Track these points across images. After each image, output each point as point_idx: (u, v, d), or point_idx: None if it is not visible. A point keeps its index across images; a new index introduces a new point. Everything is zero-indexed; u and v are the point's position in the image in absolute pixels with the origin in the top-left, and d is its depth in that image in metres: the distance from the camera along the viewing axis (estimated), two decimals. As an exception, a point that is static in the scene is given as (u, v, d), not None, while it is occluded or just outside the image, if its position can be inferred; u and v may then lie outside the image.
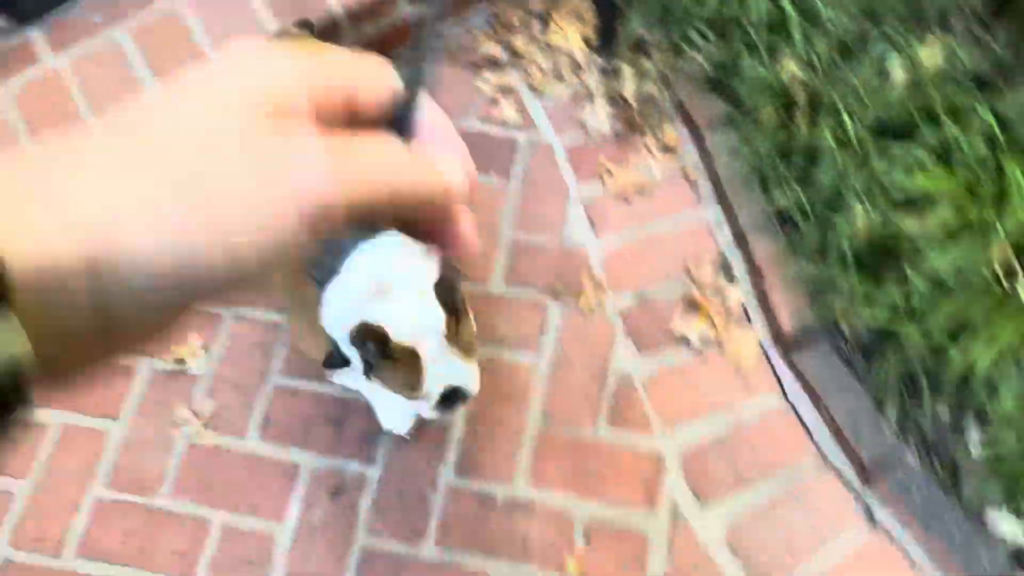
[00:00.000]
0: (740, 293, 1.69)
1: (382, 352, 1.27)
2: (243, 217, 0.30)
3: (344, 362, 1.40)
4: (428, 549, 1.54)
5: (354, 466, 1.63)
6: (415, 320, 1.29)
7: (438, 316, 1.30)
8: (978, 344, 1.41)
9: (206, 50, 1.76)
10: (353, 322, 1.28)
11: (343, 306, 1.33)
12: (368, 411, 1.66)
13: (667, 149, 1.82)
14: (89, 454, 1.67)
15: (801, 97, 1.67)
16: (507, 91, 1.91)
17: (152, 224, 0.29)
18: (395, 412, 1.67)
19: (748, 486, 1.54)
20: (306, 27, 1.48)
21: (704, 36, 1.80)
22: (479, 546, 1.56)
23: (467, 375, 1.34)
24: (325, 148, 0.32)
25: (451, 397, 1.36)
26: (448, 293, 1.30)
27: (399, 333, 1.26)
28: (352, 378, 1.61)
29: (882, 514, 1.49)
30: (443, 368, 1.30)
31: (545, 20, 1.95)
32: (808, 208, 1.62)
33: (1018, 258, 1.40)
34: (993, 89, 1.55)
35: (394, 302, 1.28)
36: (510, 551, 1.55)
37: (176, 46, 1.80)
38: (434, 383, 1.31)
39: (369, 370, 1.34)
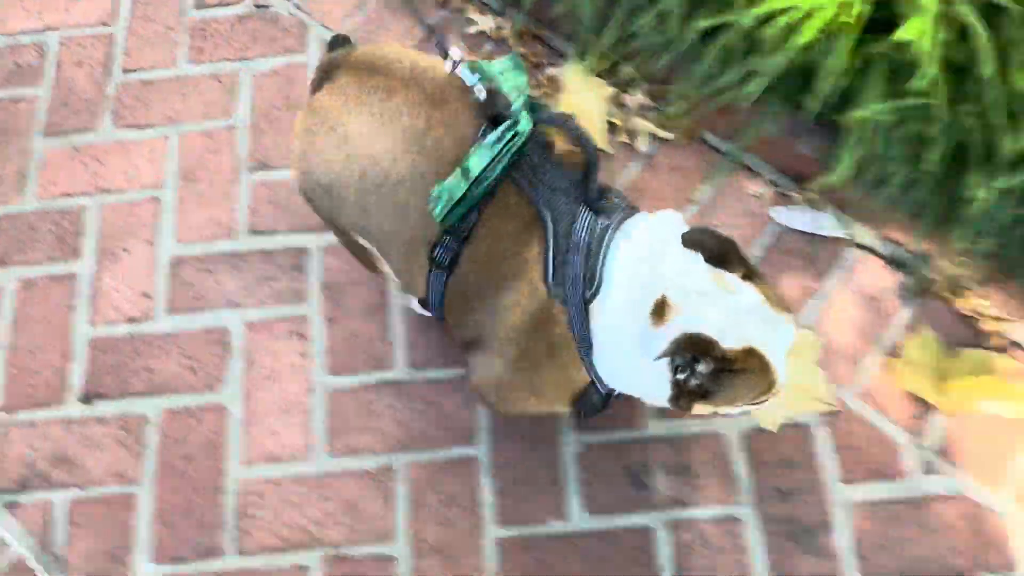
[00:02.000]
0: None
1: (719, 366, 0.96)
2: None
3: (605, 404, 1.14)
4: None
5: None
6: (731, 313, 0.97)
7: (750, 292, 0.98)
8: None
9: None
10: (644, 346, 0.98)
11: (623, 335, 1.00)
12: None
13: None
14: None
15: None
16: None
17: None
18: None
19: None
20: (342, 43, 1.21)
21: None
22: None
23: (792, 334, 1.02)
24: None
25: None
26: (732, 252, 0.99)
27: (721, 338, 0.96)
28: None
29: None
30: (780, 345, 1.00)
31: None
32: None
33: None
34: None
35: (691, 310, 0.96)
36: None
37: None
38: (784, 369, 1.02)
39: (698, 399, 1.01)
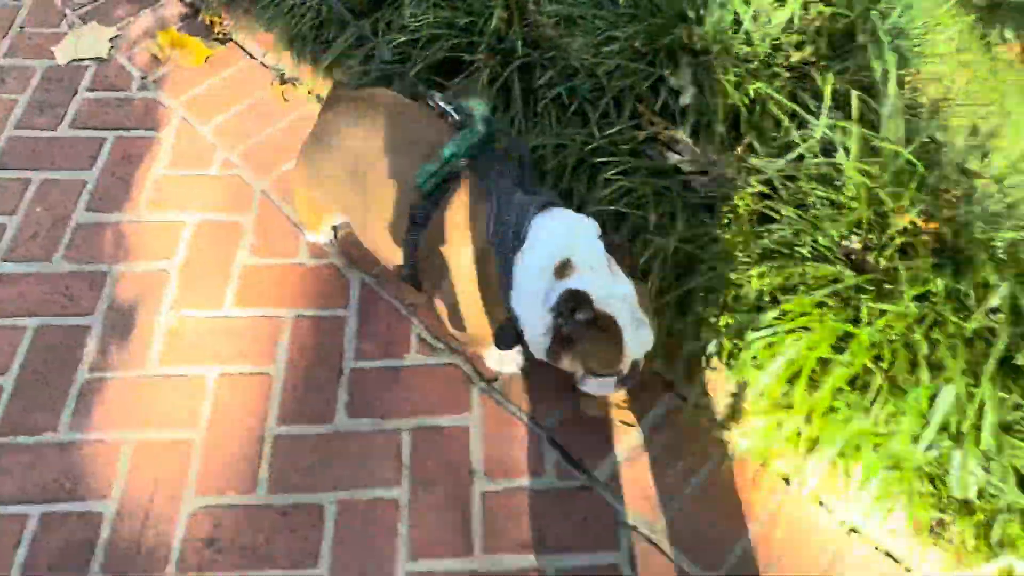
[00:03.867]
0: None
1: (587, 321, 1.30)
2: None
3: (517, 339, 1.47)
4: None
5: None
6: (609, 290, 1.32)
7: (629, 284, 1.35)
8: None
9: None
10: (545, 297, 1.33)
11: (533, 283, 1.36)
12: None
13: None
14: None
15: None
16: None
17: None
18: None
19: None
20: (342, 84, 1.78)
21: None
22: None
23: (650, 343, 1.37)
24: None
25: (631, 372, 1.39)
26: (624, 251, 1.38)
27: (597, 302, 1.30)
28: (509, 359, 1.72)
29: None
30: (637, 337, 1.33)
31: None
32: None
33: None
34: None
35: (584, 275, 1.32)
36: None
37: None
38: (631, 355, 1.34)
39: (565, 345, 1.36)
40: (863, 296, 1.48)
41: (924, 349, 1.41)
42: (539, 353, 1.44)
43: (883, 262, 1.54)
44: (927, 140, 1.63)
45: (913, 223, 1.58)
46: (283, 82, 2.44)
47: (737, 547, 1.60)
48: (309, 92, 2.40)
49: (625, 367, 1.36)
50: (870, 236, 1.55)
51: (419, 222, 1.51)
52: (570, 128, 1.85)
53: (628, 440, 1.74)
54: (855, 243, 1.58)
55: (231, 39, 2.60)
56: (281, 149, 2.30)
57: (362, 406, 1.84)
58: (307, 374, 1.88)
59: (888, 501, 1.49)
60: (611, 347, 1.32)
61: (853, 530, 1.56)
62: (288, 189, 2.15)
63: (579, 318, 1.29)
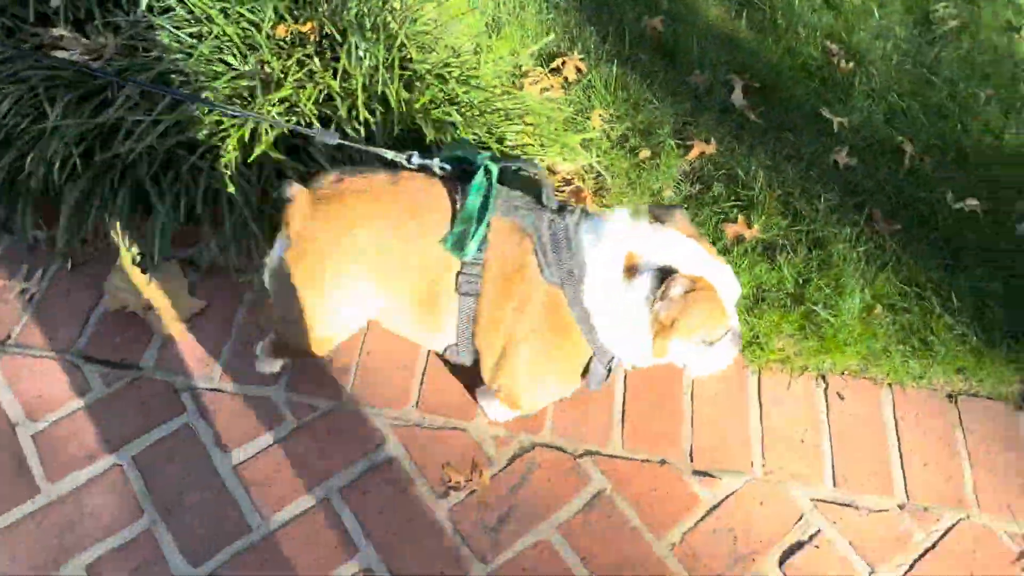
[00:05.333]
0: None
1: (684, 288, 1.24)
2: None
3: (608, 372, 1.41)
4: None
5: None
6: (682, 253, 1.28)
7: (689, 240, 1.31)
8: None
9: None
10: (632, 300, 1.27)
11: (612, 297, 1.29)
12: None
13: None
14: None
15: None
16: None
17: None
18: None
19: None
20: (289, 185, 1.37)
21: None
22: None
23: (737, 282, 1.34)
24: None
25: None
26: (677, 216, 1.34)
27: (682, 270, 1.27)
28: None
29: None
30: (729, 282, 1.30)
31: None
32: None
33: None
34: None
35: (654, 255, 1.28)
36: None
37: None
38: (732, 306, 1.31)
39: (671, 331, 1.28)
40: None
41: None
42: (642, 358, 1.40)
43: (276, 61, 1.77)
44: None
45: (294, 29, 1.83)
46: None
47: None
48: None
49: (735, 318, 1.34)
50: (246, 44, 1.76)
51: (470, 292, 1.35)
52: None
53: (161, 325, 1.81)
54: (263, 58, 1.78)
55: None
56: None
57: None
58: None
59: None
60: (714, 305, 1.28)
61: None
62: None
63: (676, 293, 1.26)
